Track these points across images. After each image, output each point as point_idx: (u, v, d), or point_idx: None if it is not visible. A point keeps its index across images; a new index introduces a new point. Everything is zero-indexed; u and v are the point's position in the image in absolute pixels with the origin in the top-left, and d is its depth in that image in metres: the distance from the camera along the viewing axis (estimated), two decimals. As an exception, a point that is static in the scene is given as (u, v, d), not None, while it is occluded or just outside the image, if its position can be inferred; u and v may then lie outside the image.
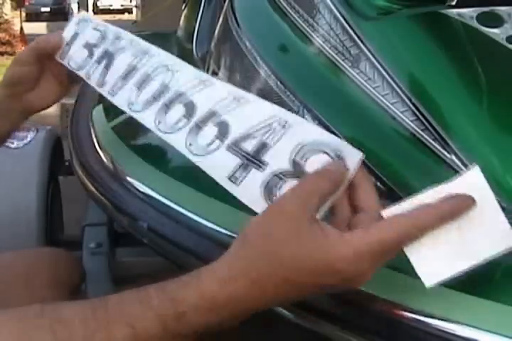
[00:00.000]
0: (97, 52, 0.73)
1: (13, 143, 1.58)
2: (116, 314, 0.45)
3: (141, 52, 0.68)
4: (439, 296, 0.51)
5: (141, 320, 0.44)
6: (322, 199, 0.46)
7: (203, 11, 1.69)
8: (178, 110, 0.56)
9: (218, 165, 0.51)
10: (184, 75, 0.60)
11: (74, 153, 1.02)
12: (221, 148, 0.51)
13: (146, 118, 0.59)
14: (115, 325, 0.44)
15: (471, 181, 0.44)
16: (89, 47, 0.75)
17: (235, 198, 0.51)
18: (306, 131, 0.48)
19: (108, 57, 0.71)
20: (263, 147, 0.49)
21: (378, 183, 0.64)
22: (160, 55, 0.66)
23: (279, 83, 0.81)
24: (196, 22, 1.68)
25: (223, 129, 0.51)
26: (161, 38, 2.16)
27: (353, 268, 0.45)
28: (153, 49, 0.68)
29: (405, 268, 0.54)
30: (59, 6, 22.01)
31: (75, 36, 0.77)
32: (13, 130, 0.81)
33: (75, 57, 0.75)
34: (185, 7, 2.11)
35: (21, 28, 9.77)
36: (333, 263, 0.44)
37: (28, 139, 1.62)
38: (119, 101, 0.65)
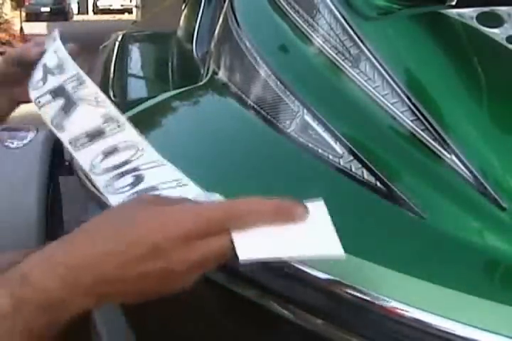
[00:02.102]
0: (51, 81, 0.72)
1: (13, 143, 1.58)
2: None
3: (111, 119, 0.68)
4: (439, 296, 0.51)
5: None
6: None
7: (203, 11, 1.69)
8: (127, 179, 0.62)
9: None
10: (147, 156, 0.65)
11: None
12: (130, 192, 0.59)
13: (100, 180, 0.64)
14: None
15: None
16: (46, 71, 0.73)
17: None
18: (196, 193, 0.55)
19: (68, 99, 0.70)
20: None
21: (378, 183, 0.64)
22: (130, 131, 0.68)
23: (279, 83, 0.81)
24: (196, 22, 1.68)
25: (138, 181, 0.61)
26: (161, 38, 2.16)
27: (166, 237, 0.45)
28: (122, 121, 0.68)
29: (405, 269, 0.54)
30: (59, 6, 22.00)
31: (44, 53, 0.76)
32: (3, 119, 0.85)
33: (34, 76, 0.74)
34: (185, 7, 2.12)
35: (21, 28, 9.78)
36: (141, 228, 0.45)
37: (28, 139, 1.62)
38: (83, 159, 0.68)
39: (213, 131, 0.85)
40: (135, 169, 0.63)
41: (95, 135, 0.68)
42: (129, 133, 0.68)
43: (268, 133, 0.77)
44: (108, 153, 0.66)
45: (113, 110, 0.69)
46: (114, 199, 0.61)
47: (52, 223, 1.64)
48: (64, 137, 0.69)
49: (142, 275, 0.46)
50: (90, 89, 0.69)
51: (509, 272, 0.56)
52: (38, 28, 13.41)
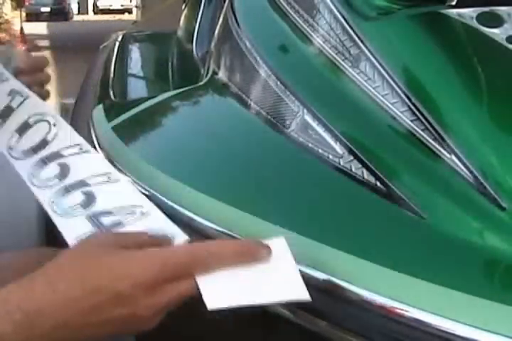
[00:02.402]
0: None
1: (13, 143, 1.57)
2: None
3: (16, 92, 0.66)
4: (439, 296, 0.51)
5: None
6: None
7: (203, 11, 1.69)
8: (52, 168, 0.59)
9: (72, 226, 0.55)
10: (63, 134, 0.62)
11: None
12: (82, 215, 0.55)
13: (22, 167, 0.62)
14: None
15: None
16: None
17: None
18: (159, 222, 0.53)
19: None
20: (118, 224, 0.54)
21: (378, 183, 0.64)
22: (35, 101, 0.65)
23: (279, 83, 0.81)
24: (196, 22, 1.68)
25: (89, 200, 0.56)
26: (161, 38, 2.16)
27: (134, 287, 0.44)
28: (24, 90, 0.67)
29: (405, 268, 0.54)
30: (59, 6, 21.99)
31: None
32: None
33: None
34: (185, 7, 2.11)
35: (21, 28, 9.78)
36: (110, 279, 0.45)
37: (28, 139, 1.62)
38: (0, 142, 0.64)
39: (213, 131, 0.85)
40: (57, 154, 0.60)
41: (5, 112, 0.65)
42: (34, 103, 0.65)
43: (268, 133, 0.77)
44: (22, 131, 0.63)
45: (16, 83, 0.67)
46: (39, 193, 0.58)
47: (52, 223, 1.63)
48: None
49: (106, 321, 0.45)
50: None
51: (509, 272, 0.56)
52: (38, 28, 13.42)
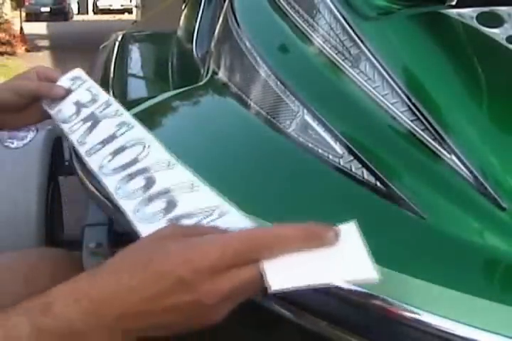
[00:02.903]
0: (84, 112, 0.78)
1: (13, 143, 1.58)
2: None
3: (124, 123, 0.72)
4: (439, 296, 0.51)
5: (8, 317, 0.44)
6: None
7: (203, 11, 1.69)
8: (138, 182, 0.61)
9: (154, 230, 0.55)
10: (154, 153, 0.65)
11: (74, 153, 1.02)
12: (163, 220, 0.56)
13: (110, 182, 0.64)
14: None
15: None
16: (79, 106, 0.80)
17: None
18: (237, 221, 0.52)
19: (94, 120, 0.76)
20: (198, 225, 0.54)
21: (378, 183, 0.64)
22: (138, 129, 0.70)
23: (279, 83, 0.81)
24: (196, 22, 1.68)
25: (171, 206, 0.57)
26: (161, 38, 2.16)
27: (197, 275, 0.44)
28: (133, 122, 0.72)
29: (405, 269, 0.54)
30: (59, 6, 21.99)
31: (68, 92, 0.83)
32: None
33: (63, 112, 0.81)
34: (185, 7, 2.12)
35: (21, 28, 9.77)
36: (165, 263, 0.45)
37: (28, 139, 1.62)
38: (93, 162, 0.69)
39: (213, 131, 0.85)
40: (145, 170, 0.63)
41: (108, 140, 0.70)
42: (137, 131, 0.69)
43: (268, 133, 0.77)
44: (116, 153, 0.67)
45: (127, 116, 0.73)
46: (125, 204, 0.60)
47: (52, 223, 1.63)
48: (82, 150, 0.72)
49: (169, 308, 0.45)
50: (114, 106, 0.76)
51: (509, 272, 0.56)
52: (38, 28, 13.42)
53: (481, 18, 0.74)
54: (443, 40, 0.75)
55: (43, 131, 1.68)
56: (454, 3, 0.79)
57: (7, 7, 11.13)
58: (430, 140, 0.64)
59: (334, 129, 0.70)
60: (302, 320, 0.57)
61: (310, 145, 0.71)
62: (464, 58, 0.73)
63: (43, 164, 1.59)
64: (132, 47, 1.97)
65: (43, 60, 7.77)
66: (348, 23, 0.78)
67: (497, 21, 0.74)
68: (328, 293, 0.54)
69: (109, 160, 0.67)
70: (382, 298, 0.52)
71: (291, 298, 0.56)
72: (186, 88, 1.09)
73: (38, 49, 9.52)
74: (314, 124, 0.73)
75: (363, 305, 0.53)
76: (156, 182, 0.60)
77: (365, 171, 0.65)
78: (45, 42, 10.42)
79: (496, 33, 0.73)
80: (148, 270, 0.45)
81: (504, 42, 0.72)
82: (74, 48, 7.88)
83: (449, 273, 0.54)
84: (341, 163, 0.67)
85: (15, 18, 11.12)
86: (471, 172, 0.61)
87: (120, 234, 1.37)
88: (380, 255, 0.56)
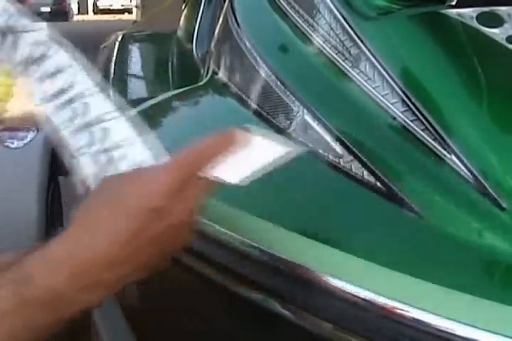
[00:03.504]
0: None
1: (13, 143, 1.58)
2: None
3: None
4: (439, 296, 0.51)
5: None
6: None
7: (203, 11, 1.69)
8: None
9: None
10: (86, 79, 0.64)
11: None
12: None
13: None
14: None
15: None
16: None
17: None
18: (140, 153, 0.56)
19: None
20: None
21: (378, 183, 0.64)
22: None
23: (279, 83, 0.81)
24: (196, 22, 1.68)
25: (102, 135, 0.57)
26: (161, 38, 2.17)
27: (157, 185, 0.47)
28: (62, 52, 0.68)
29: (405, 268, 0.54)
30: (59, 6, 21.98)
31: None
32: None
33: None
34: (185, 7, 2.12)
35: (21, 28, 9.77)
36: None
37: (28, 139, 1.62)
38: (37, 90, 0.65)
39: (213, 131, 0.85)
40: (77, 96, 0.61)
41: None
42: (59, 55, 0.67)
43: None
44: (47, 78, 0.64)
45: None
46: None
47: (52, 223, 1.64)
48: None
49: (153, 241, 0.47)
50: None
51: (509, 272, 0.56)
52: (38, 28, 13.39)
53: (481, 18, 0.74)
54: (443, 40, 0.75)
55: (43, 131, 1.68)
56: (454, 3, 0.78)
57: (7, 7, 11.12)
58: (430, 140, 0.64)
59: (334, 129, 0.70)
60: (301, 319, 0.57)
61: (310, 145, 0.71)
62: (463, 58, 0.73)
63: (43, 164, 1.60)
64: (132, 47, 1.98)
65: (43, 60, 7.75)
66: (348, 23, 0.78)
67: (497, 21, 0.74)
68: (329, 292, 0.54)
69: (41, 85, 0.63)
70: (381, 297, 0.52)
71: (290, 296, 0.56)
72: (186, 88, 1.09)
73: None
74: (314, 124, 0.73)
75: (363, 304, 0.53)
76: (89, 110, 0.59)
77: (365, 171, 0.65)
78: (45, 42, 10.39)
79: (496, 33, 0.73)
80: (120, 214, 0.47)
81: (504, 43, 0.71)
82: (74, 48, 7.87)
83: (450, 273, 0.54)
84: (341, 163, 0.67)
85: (15, 18, 11.10)
86: (471, 172, 0.61)
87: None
88: (380, 255, 0.56)
